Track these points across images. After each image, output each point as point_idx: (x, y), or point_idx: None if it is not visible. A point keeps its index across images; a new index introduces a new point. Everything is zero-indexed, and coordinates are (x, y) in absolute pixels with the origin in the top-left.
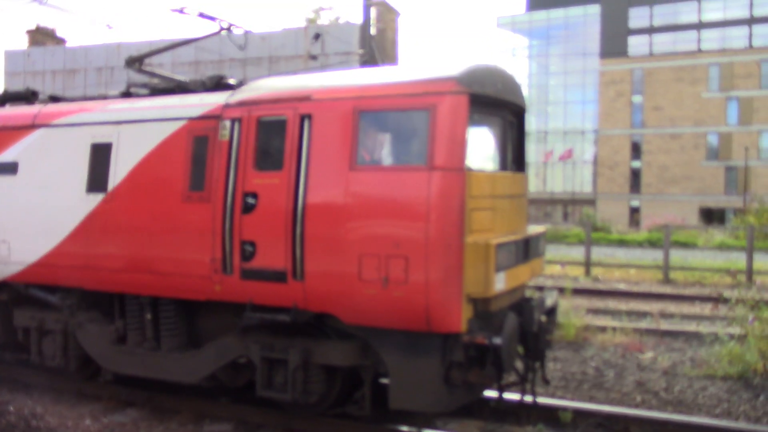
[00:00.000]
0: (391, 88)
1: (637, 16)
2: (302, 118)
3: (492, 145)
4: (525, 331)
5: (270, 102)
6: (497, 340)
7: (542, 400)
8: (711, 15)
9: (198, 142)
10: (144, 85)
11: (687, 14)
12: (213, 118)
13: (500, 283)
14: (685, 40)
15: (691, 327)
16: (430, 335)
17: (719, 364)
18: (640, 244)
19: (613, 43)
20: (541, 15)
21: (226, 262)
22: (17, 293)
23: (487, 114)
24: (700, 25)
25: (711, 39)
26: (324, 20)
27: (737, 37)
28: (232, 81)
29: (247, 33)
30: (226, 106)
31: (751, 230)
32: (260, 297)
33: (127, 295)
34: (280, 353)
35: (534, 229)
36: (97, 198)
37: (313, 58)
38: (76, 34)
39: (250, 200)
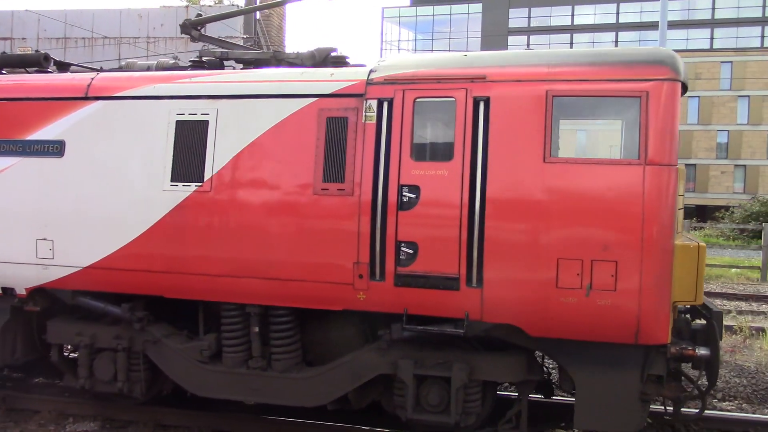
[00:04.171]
0: (591, 71)
1: (517, 17)
2: (476, 102)
3: None
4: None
5: (431, 81)
6: (704, 351)
7: None
8: (582, 20)
9: (333, 124)
10: (223, 55)
11: (561, 18)
12: (353, 96)
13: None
14: (560, 43)
15: None
16: (631, 347)
17: None
18: None
19: (494, 42)
20: (426, 10)
21: (375, 266)
22: (54, 302)
23: None
24: (573, 29)
25: (582, 43)
26: (207, 0)
27: (606, 42)
28: (344, 55)
29: None
30: (370, 83)
31: None
32: (419, 306)
33: (224, 304)
34: (440, 370)
35: None
36: (187, 189)
37: (194, 40)
38: None
39: (410, 194)
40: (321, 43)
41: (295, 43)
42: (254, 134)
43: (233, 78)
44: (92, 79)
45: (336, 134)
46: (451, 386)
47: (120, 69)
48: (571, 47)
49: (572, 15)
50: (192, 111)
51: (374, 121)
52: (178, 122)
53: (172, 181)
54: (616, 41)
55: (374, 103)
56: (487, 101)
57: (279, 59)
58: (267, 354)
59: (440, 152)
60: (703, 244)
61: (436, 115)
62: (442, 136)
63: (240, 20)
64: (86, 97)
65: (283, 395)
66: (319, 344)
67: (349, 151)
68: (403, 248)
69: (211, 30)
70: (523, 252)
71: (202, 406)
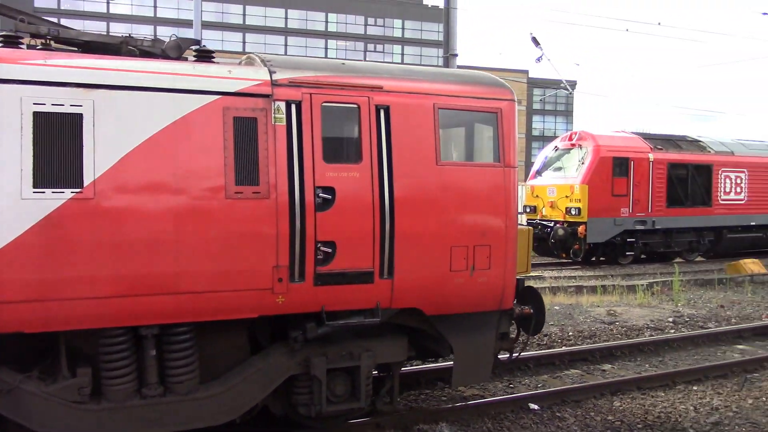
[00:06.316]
0: (464, 89)
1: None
2: (377, 109)
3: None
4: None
5: (336, 87)
6: (532, 309)
7: None
8: (119, 9)
9: (241, 124)
10: (53, 33)
11: (96, 4)
12: (260, 96)
13: None
14: (96, 30)
15: None
16: (491, 313)
17: None
18: None
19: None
20: None
21: (294, 268)
22: None
23: None
24: (109, 17)
25: (119, 33)
26: None
27: (145, 33)
28: (210, 49)
29: None
30: (276, 85)
31: None
32: (335, 302)
33: (106, 330)
34: (349, 360)
35: None
36: (59, 196)
37: None
38: None
39: (326, 196)
40: None
41: None
42: (149, 131)
43: (113, 65)
44: None
45: (246, 135)
46: (361, 373)
47: None
48: (108, 33)
49: (108, 2)
50: (57, 101)
51: (284, 123)
52: (36, 114)
53: (35, 187)
54: (155, 34)
55: (282, 105)
56: (387, 109)
57: (130, 46)
58: (160, 378)
59: (350, 155)
60: (531, 228)
61: (343, 119)
62: (351, 140)
63: None
64: None
65: (191, 419)
66: (210, 357)
67: (262, 153)
68: (322, 248)
69: None
70: (426, 243)
71: None
